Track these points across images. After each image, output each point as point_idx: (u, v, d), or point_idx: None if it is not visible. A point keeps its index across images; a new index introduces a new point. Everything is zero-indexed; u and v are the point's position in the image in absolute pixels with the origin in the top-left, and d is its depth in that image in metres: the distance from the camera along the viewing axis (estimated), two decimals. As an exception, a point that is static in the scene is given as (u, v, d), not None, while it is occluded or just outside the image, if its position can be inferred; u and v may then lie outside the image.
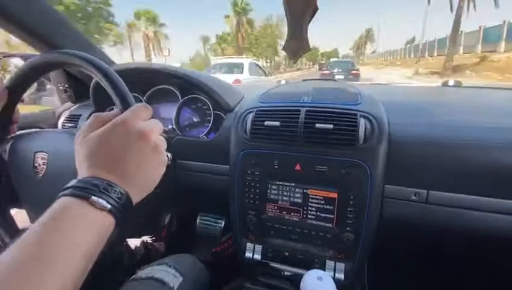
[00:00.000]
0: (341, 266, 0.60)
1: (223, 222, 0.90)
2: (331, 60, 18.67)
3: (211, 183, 0.71)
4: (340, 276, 0.59)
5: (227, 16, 35.71)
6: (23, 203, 0.60)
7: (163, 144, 0.35)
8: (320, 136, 0.57)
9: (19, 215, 0.60)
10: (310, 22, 0.39)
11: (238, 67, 7.26)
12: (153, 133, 0.33)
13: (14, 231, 0.57)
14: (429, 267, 0.78)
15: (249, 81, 5.72)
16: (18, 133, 0.58)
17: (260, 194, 0.63)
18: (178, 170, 0.72)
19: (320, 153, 0.58)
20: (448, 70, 13.89)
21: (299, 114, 0.60)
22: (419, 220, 0.57)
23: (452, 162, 0.54)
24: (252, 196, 0.63)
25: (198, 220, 0.91)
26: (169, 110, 0.85)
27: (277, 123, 0.60)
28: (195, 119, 0.83)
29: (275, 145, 0.61)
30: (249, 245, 0.66)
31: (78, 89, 0.96)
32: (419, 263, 0.79)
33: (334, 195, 0.58)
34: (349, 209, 0.57)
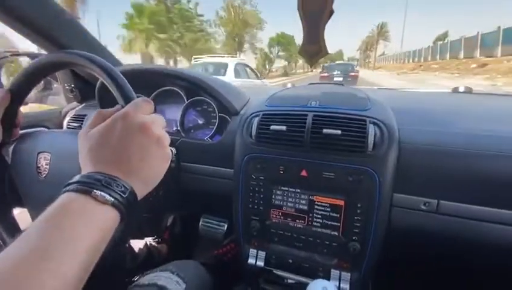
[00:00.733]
0: (346, 276, 0.58)
1: (226, 225, 0.89)
2: (330, 63, 18.66)
3: (215, 187, 0.70)
4: (346, 286, 0.57)
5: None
6: (25, 203, 0.59)
7: (166, 137, 0.34)
8: (328, 141, 0.56)
9: (21, 216, 0.60)
10: (326, 24, 0.38)
11: (223, 68, 6.20)
12: (155, 126, 0.33)
13: (16, 232, 0.57)
14: (438, 279, 0.76)
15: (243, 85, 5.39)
16: (21, 132, 0.57)
17: (264, 199, 0.62)
18: (182, 172, 0.72)
19: (327, 159, 0.56)
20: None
21: (306, 119, 0.58)
22: (428, 231, 0.56)
23: (462, 171, 0.53)
24: (256, 201, 0.62)
25: (201, 223, 0.91)
26: (175, 112, 0.85)
27: (283, 127, 0.59)
28: (200, 122, 0.83)
29: (281, 150, 0.59)
30: (252, 251, 0.65)
31: (85, 89, 0.96)
32: (428, 275, 0.76)
33: (341, 203, 0.56)
34: (356, 217, 0.55)
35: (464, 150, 0.53)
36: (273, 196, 0.61)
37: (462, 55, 20.11)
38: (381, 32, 58.96)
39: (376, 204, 0.54)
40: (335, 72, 12.61)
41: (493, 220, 0.51)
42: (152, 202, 0.64)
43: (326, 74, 12.87)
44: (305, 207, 0.59)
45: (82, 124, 0.89)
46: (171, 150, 0.37)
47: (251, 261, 0.65)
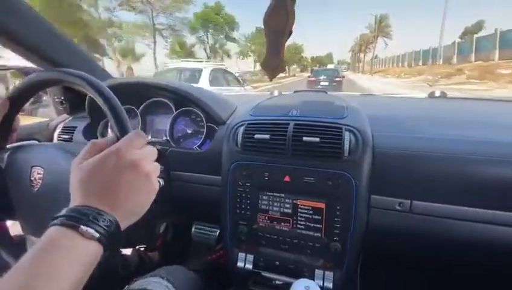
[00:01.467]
0: (330, 275, 0.61)
1: (218, 231, 0.91)
2: (315, 68, 19.07)
3: (204, 194, 0.73)
4: (329, 285, 0.60)
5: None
6: (17, 213, 0.61)
7: (155, 171, 0.36)
8: (308, 148, 0.60)
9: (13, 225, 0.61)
10: (286, 42, 0.42)
11: (198, 74, 5.45)
12: (145, 162, 0.34)
13: (8, 240, 0.58)
14: (419, 276, 0.80)
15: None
16: (16, 144, 0.59)
17: (251, 204, 0.65)
18: (172, 181, 0.74)
19: (307, 165, 0.60)
20: None
21: (288, 127, 0.62)
22: (403, 229, 0.60)
23: (433, 173, 0.57)
24: (243, 206, 0.65)
25: (193, 229, 0.93)
26: (164, 122, 0.87)
27: (267, 136, 0.62)
28: (189, 131, 0.85)
29: (265, 157, 0.63)
30: (241, 255, 0.68)
31: (74, 100, 0.98)
32: (409, 271, 0.81)
33: (322, 205, 0.60)
34: (336, 219, 0.59)
35: (433, 154, 0.58)
36: (259, 201, 0.64)
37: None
38: (381, 27, 46.75)
39: (354, 205, 0.57)
40: (321, 77, 13.17)
41: (463, 218, 0.56)
42: (144, 214, 0.66)
43: (313, 79, 13.46)
44: (290, 211, 0.62)
45: (72, 136, 0.90)
46: (159, 181, 0.38)
47: (240, 264, 0.67)
